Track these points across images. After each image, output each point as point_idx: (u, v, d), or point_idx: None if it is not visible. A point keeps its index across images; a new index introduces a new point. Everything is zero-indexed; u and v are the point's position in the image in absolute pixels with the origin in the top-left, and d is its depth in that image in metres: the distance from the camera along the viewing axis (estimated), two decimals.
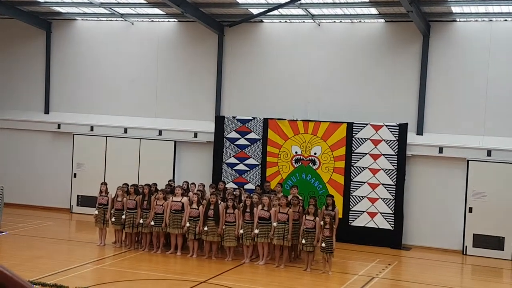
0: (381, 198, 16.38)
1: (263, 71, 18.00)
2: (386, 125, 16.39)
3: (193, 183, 15.73)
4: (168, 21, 18.85)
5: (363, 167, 16.54)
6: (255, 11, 17.21)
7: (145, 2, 17.58)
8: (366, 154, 16.51)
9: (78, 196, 19.35)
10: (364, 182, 16.51)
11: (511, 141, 15.84)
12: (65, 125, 19.72)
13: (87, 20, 19.72)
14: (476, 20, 16.18)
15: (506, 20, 15.96)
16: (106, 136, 19.15)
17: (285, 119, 17.20)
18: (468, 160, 15.88)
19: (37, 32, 20.03)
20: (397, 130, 16.29)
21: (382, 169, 16.37)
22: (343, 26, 17.34)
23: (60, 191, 19.67)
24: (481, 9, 15.57)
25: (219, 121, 17.87)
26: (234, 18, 17.87)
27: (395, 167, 16.29)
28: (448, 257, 15.54)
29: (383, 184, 16.36)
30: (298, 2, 16.01)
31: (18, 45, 20.43)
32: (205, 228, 13.71)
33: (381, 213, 16.36)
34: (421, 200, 16.55)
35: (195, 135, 18.40)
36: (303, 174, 17.02)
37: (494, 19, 15.98)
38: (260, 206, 13.56)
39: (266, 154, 17.35)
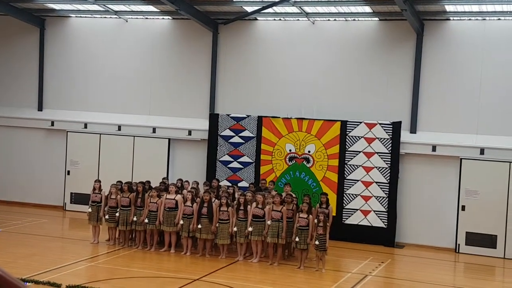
0: (374, 196, 16.42)
1: (258, 69, 18.00)
2: (380, 123, 16.43)
3: (187, 181, 15.73)
4: (163, 18, 18.82)
5: (356, 165, 16.57)
6: (249, 8, 17.21)
7: None
8: (359, 152, 16.55)
9: (71, 193, 19.32)
10: (358, 180, 16.55)
11: (504, 139, 15.90)
12: (59, 122, 19.66)
13: (81, 17, 19.67)
14: (470, 19, 16.22)
15: (499, 19, 16.01)
16: (100, 134, 19.11)
17: (279, 117, 17.21)
18: (461, 159, 15.94)
19: (30, 29, 19.96)
20: (391, 129, 16.33)
21: (376, 167, 16.41)
22: (337, 24, 17.36)
23: (54, 188, 19.62)
24: (475, 7, 15.61)
25: (213, 118, 17.87)
26: (229, 16, 17.86)
27: (389, 165, 16.34)
28: (441, 255, 15.59)
29: (376, 182, 16.40)
30: (293, 0, 16.02)
31: (11, 42, 20.35)
32: (199, 226, 13.72)
33: (374, 211, 16.41)
34: (414, 198, 16.60)
35: (189, 133, 18.39)
36: (297, 172, 17.05)
37: (487, 18, 16.03)
38: (254, 204, 13.57)
39: (260, 152, 17.36)
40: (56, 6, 19.21)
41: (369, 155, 16.47)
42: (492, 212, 15.62)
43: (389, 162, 16.34)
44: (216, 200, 14.03)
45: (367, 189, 16.47)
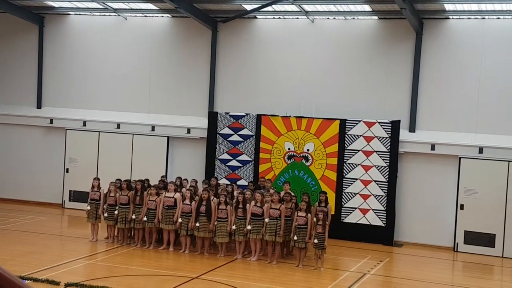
0: (373, 195, 16.43)
1: (257, 67, 18.00)
2: (379, 122, 16.43)
3: (185, 179, 15.73)
4: (162, 16, 18.81)
5: (355, 164, 16.58)
6: (248, 7, 17.20)
7: None
8: (358, 151, 16.55)
9: (70, 191, 19.31)
10: (357, 179, 16.56)
11: (503, 138, 15.91)
12: (58, 120, 19.65)
13: (80, 15, 19.65)
14: (469, 18, 16.23)
15: (498, 18, 16.02)
16: (99, 131, 19.11)
17: (278, 116, 17.21)
18: (460, 158, 15.95)
19: (29, 27, 19.94)
20: (390, 127, 16.34)
21: (375, 166, 16.42)
22: (336, 22, 17.35)
23: (53, 186, 19.61)
24: (474, 6, 15.63)
25: (212, 117, 17.87)
26: (228, 14, 17.85)
27: (388, 164, 16.35)
28: (439, 254, 15.61)
29: (375, 181, 16.41)
30: None
31: (10, 40, 20.33)
32: (197, 224, 13.73)
33: (373, 209, 16.42)
34: (413, 197, 16.61)
35: (188, 131, 18.39)
36: (295, 171, 17.05)
37: (486, 17, 16.04)
38: (253, 202, 13.58)
39: (259, 150, 17.36)
40: (55, 4, 19.20)
41: (368, 153, 16.47)
42: (491, 211, 15.64)
43: (388, 161, 16.34)
44: (215, 198, 14.03)
45: (366, 187, 16.48)
